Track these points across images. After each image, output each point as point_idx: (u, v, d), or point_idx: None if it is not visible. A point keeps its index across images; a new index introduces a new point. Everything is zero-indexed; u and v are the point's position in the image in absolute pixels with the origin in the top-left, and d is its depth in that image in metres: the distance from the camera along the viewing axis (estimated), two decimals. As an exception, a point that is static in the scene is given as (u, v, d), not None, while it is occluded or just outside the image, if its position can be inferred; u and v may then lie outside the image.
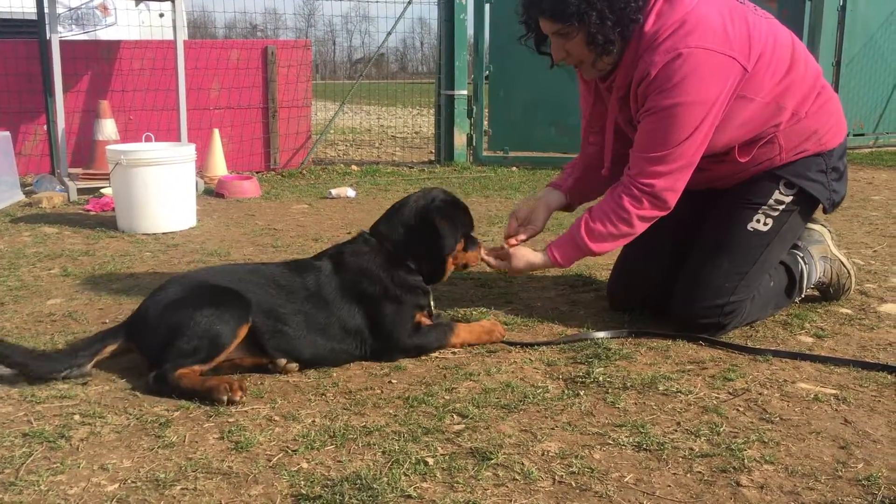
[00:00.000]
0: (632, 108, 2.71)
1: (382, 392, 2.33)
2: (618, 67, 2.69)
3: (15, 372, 2.36)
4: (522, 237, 2.94)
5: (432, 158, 8.40)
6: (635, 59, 2.62)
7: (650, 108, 2.58)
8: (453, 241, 2.68)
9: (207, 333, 2.32)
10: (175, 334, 2.33)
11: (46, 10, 6.00)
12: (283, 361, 2.44)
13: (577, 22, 2.56)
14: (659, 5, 2.57)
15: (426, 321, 2.67)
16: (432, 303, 2.73)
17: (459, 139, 7.92)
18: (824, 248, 3.09)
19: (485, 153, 7.98)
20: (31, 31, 6.77)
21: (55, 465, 1.89)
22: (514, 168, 7.64)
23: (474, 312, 3.07)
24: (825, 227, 3.16)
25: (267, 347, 2.44)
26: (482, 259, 2.86)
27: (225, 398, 2.21)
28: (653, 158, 2.63)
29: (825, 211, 2.95)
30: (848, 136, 3.05)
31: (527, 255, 2.87)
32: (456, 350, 2.66)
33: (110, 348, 2.44)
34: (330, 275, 2.57)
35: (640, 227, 2.74)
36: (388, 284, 2.57)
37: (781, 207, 2.80)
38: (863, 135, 8.86)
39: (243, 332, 2.39)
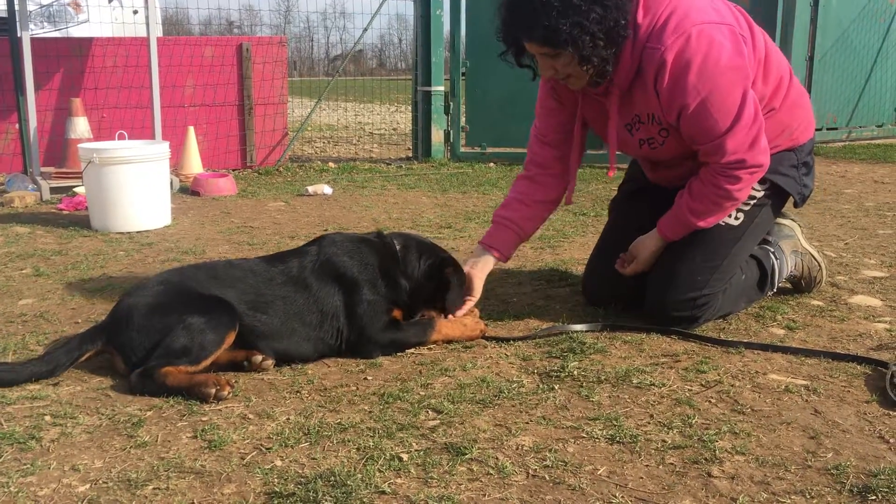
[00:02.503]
0: (657, 102, 2.62)
1: (358, 389, 2.32)
2: (616, 67, 2.61)
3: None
4: (466, 308, 2.85)
5: (410, 155, 8.39)
6: (636, 53, 2.57)
7: (692, 93, 2.51)
8: (459, 301, 2.79)
9: (198, 336, 2.32)
10: (164, 336, 2.32)
11: (17, 8, 5.92)
12: (258, 358, 2.43)
13: (570, 48, 2.50)
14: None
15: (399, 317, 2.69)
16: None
17: (437, 135, 7.92)
18: (795, 243, 3.13)
19: (462, 149, 7.98)
20: (1, 28, 6.68)
21: (25, 467, 1.87)
22: (492, 164, 7.65)
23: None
24: (795, 221, 3.20)
25: (248, 337, 2.46)
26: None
27: (213, 391, 2.20)
28: (724, 137, 2.56)
29: (795, 205, 3.00)
30: (820, 129, 3.08)
31: (644, 244, 2.87)
32: (432, 346, 2.67)
33: (89, 353, 2.41)
34: (318, 252, 2.65)
35: (744, 196, 2.72)
36: (374, 274, 2.61)
37: (753, 202, 2.83)
38: (836, 129, 8.96)
39: (231, 337, 2.40)
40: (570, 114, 2.92)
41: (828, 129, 8.83)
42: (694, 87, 2.51)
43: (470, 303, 2.88)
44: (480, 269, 2.94)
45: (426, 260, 2.74)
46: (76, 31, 7.93)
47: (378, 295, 2.60)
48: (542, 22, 2.47)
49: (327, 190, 6.03)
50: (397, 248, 2.72)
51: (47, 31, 7.89)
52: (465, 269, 2.91)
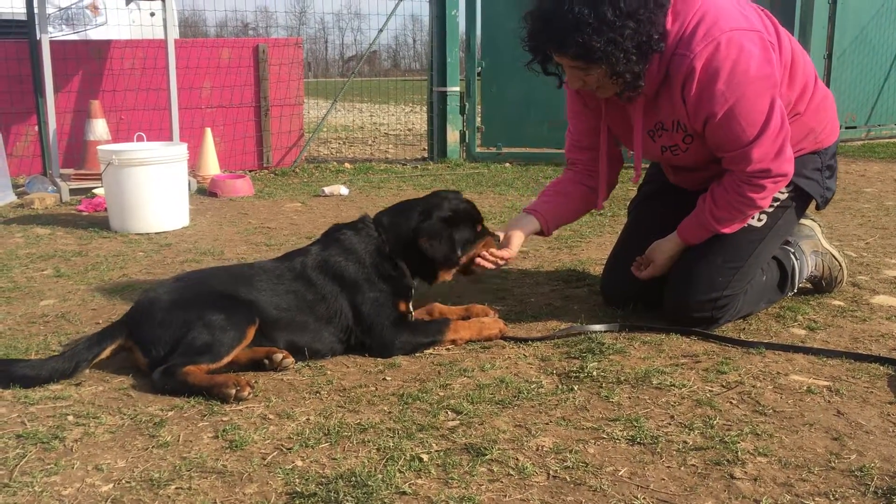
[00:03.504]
0: (683, 109, 2.59)
1: (377, 389, 2.33)
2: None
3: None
4: (501, 255, 2.85)
5: (425, 155, 8.40)
6: (664, 59, 2.55)
7: (720, 101, 2.49)
8: (451, 256, 2.71)
9: (218, 333, 2.35)
10: (185, 332, 2.35)
11: (36, 11, 5.98)
12: (279, 356, 2.44)
13: (604, 64, 2.48)
14: (672, 4, 2.53)
15: (413, 312, 2.71)
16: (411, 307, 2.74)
17: (452, 136, 7.92)
18: (815, 243, 3.10)
19: (478, 149, 7.97)
20: (21, 31, 6.74)
21: (49, 466, 1.88)
22: (508, 164, 7.64)
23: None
24: (815, 221, 3.18)
25: (267, 335, 2.49)
26: (488, 258, 2.83)
27: (233, 392, 2.22)
28: (750, 146, 2.54)
29: (818, 207, 2.98)
30: (840, 128, 3.06)
31: (662, 248, 2.86)
32: (449, 346, 2.66)
33: (111, 348, 2.43)
34: (319, 251, 2.66)
35: (766, 204, 2.71)
36: (370, 270, 2.61)
37: (777, 204, 2.81)
38: (855, 127, 8.88)
39: (251, 333, 2.42)
40: (599, 116, 2.91)
41: (847, 127, 8.75)
42: (722, 95, 2.49)
43: (507, 253, 2.85)
44: (520, 228, 2.93)
45: (403, 239, 2.68)
46: (94, 34, 7.98)
47: (378, 291, 2.61)
48: (575, 38, 2.43)
49: (344, 190, 6.05)
50: (381, 235, 2.68)
51: (66, 34, 7.94)
52: (504, 228, 2.93)
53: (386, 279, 2.63)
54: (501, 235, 2.92)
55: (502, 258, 2.86)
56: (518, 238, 2.91)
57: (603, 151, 2.94)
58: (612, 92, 2.65)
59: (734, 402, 2.21)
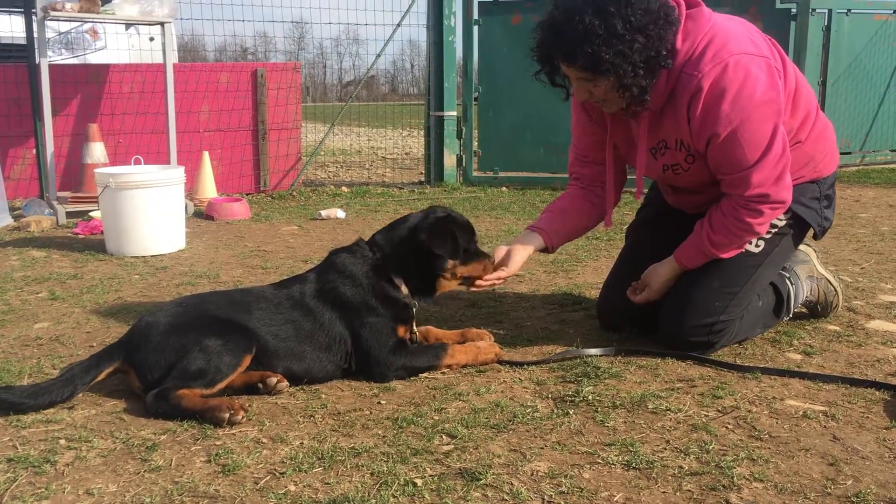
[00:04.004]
0: (687, 128, 2.61)
1: (371, 413, 2.32)
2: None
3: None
4: (497, 276, 2.83)
5: (422, 179, 8.42)
6: (671, 77, 2.57)
7: (724, 122, 2.51)
8: (443, 260, 2.67)
9: (214, 358, 2.34)
10: (181, 357, 2.34)
11: (36, 35, 6.01)
12: (273, 380, 2.43)
13: (612, 76, 2.51)
14: (683, 23, 2.56)
15: (410, 336, 2.69)
16: (414, 328, 2.72)
17: (449, 160, 7.95)
18: (810, 268, 3.11)
19: (475, 173, 8.01)
20: (20, 55, 6.78)
21: (40, 491, 1.87)
22: (504, 188, 7.66)
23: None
24: (810, 246, 3.19)
25: (263, 362, 2.48)
26: (488, 280, 2.81)
27: (226, 416, 2.20)
28: (751, 170, 2.55)
29: (815, 237, 2.99)
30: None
31: (658, 272, 2.85)
32: (445, 370, 2.65)
33: (107, 371, 2.41)
34: (316, 277, 2.65)
35: (764, 230, 2.72)
36: (367, 292, 2.60)
37: (774, 230, 2.82)
38: (849, 153, 8.93)
39: (247, 360, 2.41)
40: (605, 130, 2.91)
41: (841, 153, 8.76)
42: (727, 117, 2.51)
43: (503, 273, 2.83)
44: (522, 245, 2.91)
45: (400, 249, 2.66)
46: (93, 58, 8.03)
47: (377, 316, 2.60)
48: (584, 48, 2.46)
49: (340, 214, 6.06)
50: (376, 254, 2.67)
51: (65, 58, 7.99)
52: (505, 245, 2.91)
53: (385, 302, 2.61)
54: (503, 252, 2.90)
55: (499, 278, 2.85)
56: (518, 254, 2.89)
57: (609, 166, 2.95)
58: (617, 106, 2.67)
59: (730, 426, 2.20)
